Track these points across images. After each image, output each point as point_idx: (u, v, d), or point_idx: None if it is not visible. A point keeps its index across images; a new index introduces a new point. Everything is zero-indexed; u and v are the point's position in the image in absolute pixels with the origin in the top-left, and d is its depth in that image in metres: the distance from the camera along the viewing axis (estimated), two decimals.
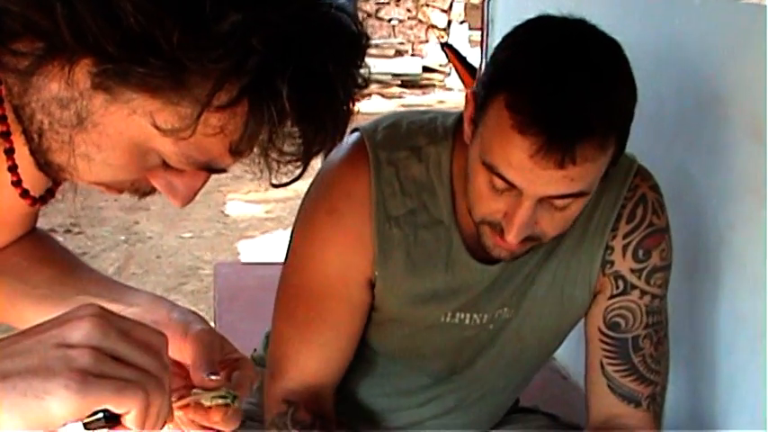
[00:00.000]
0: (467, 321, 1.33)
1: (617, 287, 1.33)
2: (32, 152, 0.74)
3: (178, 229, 4.61)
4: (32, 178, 0.81)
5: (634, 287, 1.33)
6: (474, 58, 3.74)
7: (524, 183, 1.13)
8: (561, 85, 1.09)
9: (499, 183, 1.14)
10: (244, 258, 4.27)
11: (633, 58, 1.17)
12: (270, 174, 0.75)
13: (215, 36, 0.65)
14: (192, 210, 4.64)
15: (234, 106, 0.69)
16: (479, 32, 2.95)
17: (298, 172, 0.76)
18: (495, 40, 2.86)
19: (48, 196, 0.85)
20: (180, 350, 0.84)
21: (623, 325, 1.33)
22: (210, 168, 0.75)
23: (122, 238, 4.40)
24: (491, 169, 1.14)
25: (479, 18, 2.88)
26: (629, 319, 1.33)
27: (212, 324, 2.68)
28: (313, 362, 1.30)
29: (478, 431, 1.47)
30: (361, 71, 0.76)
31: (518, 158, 1.11)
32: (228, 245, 4.53)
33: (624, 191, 1.32)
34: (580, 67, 1.12)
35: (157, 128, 0.69)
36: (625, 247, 1.33)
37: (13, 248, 1.02)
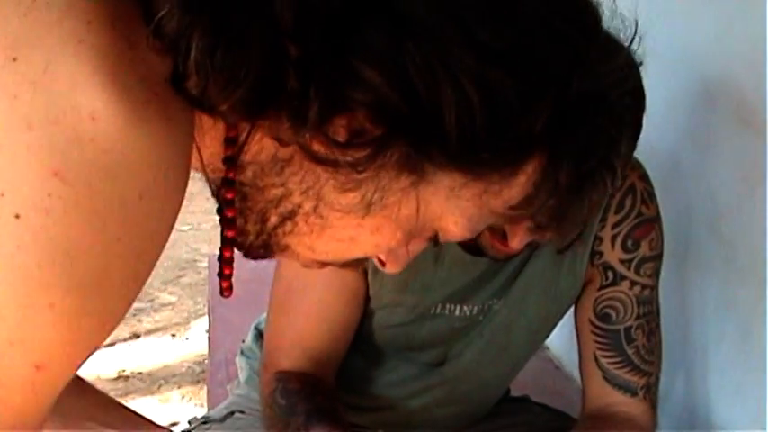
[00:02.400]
0: (456, 312, 1.33)
1: (606, 278, 1.34)
2: (254, 234, 0.66)
3: (176, 221, 4.59)
4: None
5: (623, 278, 1.33)
6: None
7: None
8: None
9: None
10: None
11: None
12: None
13: (572, 116, 0.61)
14: (189, 202, 4.60)
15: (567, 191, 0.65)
16: None
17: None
18: None
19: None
20: None
21: (614, 316, 1.33)
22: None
23: None
24: None
25: None
26: (619, 310, 1.33)
27: (206, 316, 2.69)
28: (308, 353, 1.30)
29: (468, 421, 1.47)
30: None
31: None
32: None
33: None
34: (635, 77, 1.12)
35: (474, 213, 0.64)
36: (614, 238, 1.33)
37: None
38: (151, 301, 3.63)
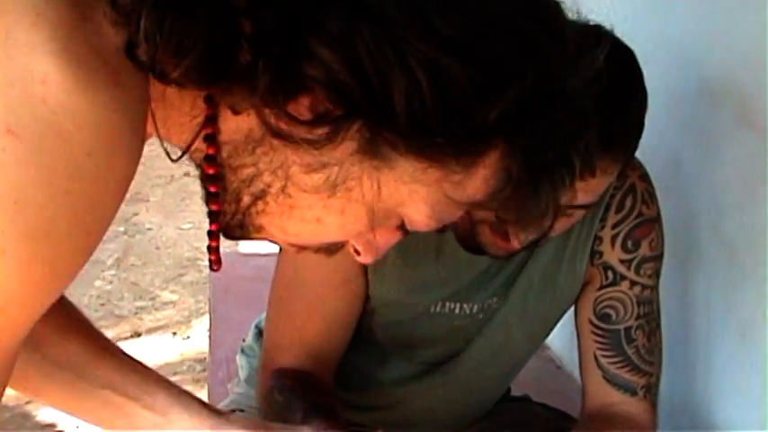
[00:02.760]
0: (456, 311, 1.34)
1: (606, 278, 1.34)
2: (230, 213, 0.70)
3: (177, 220, 4.61)
4: None
5: (623, 278, 1.33)
6: None
7: None
8: None
9: None
10: (242, 249, 4.27)
11: None
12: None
13: (527, 109, 0.63)
14: (191, 201, 4.64)
15: (524, 183, 0.67)
16: None
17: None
18: None
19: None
20: None
21: (614, 316, 1.33)
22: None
23: (121, 229, 4.40)
24: None
25: None
26: (619, 310, 1.33)
27: (207, 314, 2.68)
28: (308, 350, 1.30)
29: (468, 421, 1.47)
30: None
31: None
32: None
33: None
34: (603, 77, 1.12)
35: (434, 201, 0.67)
36: (614, 238, 1.33)
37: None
38: (152, 299, 3.63)
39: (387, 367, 1.40)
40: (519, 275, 1.33)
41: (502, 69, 0.62)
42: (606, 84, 1.08)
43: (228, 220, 0.71)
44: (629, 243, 1.33)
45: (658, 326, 1.36)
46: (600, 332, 1.34)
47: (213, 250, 0.73)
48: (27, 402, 2.90)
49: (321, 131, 0.62)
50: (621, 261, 1.33)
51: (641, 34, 1.20)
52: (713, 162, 1.55)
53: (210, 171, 0.68)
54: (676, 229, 1.43)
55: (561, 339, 1.59)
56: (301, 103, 0.62)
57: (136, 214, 4.66)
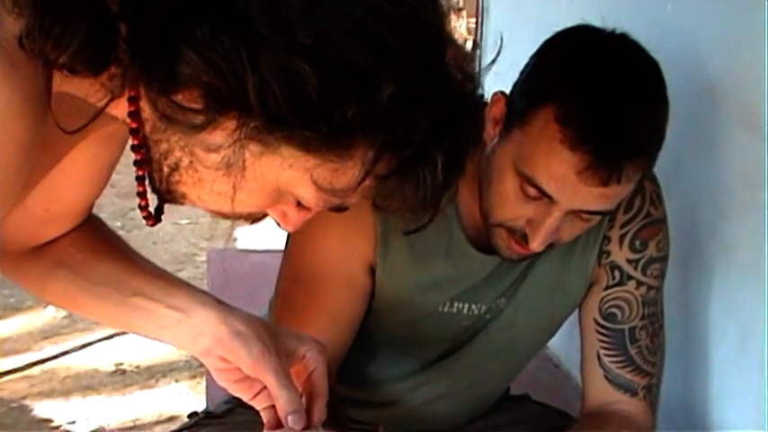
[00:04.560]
0: (464, 311, 1.33)
1: (613, 277, 1.34)
2: (158, 180, 0.80)
3: (174, 215, 4.60)
4: None
5: (630, 278, 1.33)
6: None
7: (563, 197, 1.14)
8: (614, 103, 1.11)
9: (532, 191, 1.15)
10: (240, 245, 4.27)
11: None
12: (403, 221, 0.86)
13: (384, 110, 0.71)
14: None
15: (391, 175, 0.76)
16: (474, 21, 2.94)
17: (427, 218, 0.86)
18: (490, 28, 2.86)
19: (159, 213, 0.89)
20: (252, 372, 0.95)
21: (619, 316, 1.33)
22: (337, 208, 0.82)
23: (118, 224, 4.39)
24: (528, 179, 1.15)
25: (473, 6, 2.87)
26: (624, 310, 1.33)
27: None
28: None
29: (468, 419, 1.47)
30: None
31: (563, 173, 1.12)
32: (224, 232, 4.52)
33: None
34: (630, 85, 1.14)
35: (317, 185, 0.76)
36: (622, 238, 1.33)
37: (70, 238, 1.06)
38: None
39: (389, 364, 1.40)
40: (527, 275, 1.34)
41: (358, 73, 0.70)
42: (634, 91, 1.10)
43: (158, 186, 0.81)
44: (637, 243, 1.33)
45: (661, 327, 1.36)
46: (604, 332, 1.34)
47: (142, 208, 0.86)
48: (23, 398, 2.90)
49: (198, 119, 0.72)
50: (629, 261, 1.33)
51: (642, 35, 1.20)
52: (714, 164, 1.56)
53: (135, 142, 0.79)
54: (677, 230, 1.43)
55: (560, 338, 1.59)
56: (183, 94, 0.72)
57: (133, 209, 4.65)
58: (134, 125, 0.78)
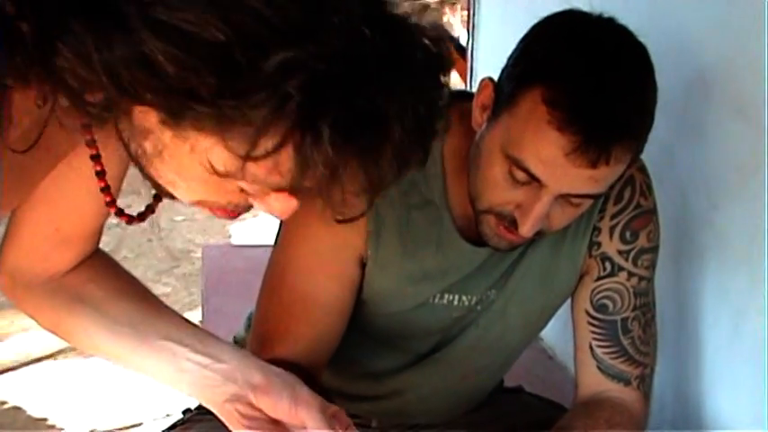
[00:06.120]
0: (455, 303, 1.33)
1: (604, 269, 1.34)
2: (142, 174, 0.80)
3: (170, 212, 4.60)
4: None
5: (621, 269, 1.33)
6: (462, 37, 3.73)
7: (551, 179, 1.13)
8: (602, 85, 1.11)
9: (521, 175, 1.15)
10: (235, 241, 4.27)
11: None
12: (331, 208, 0.77)
13: (251, 82, 0.67)
14: None
15: (280, 150, 0.71)
16: (466, 12, 2.94)
17: (365, 206, 0.79)
18: (482, 20, 2.86)
19: (147, 213, 0.91)
20: (290, 416, 0.94)
21: (611, 307, 1.33)
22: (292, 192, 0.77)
23: (114, 221, 4.40)
24: (516, 162, 1.14)
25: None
26: (616, 301, 1.33)
27: (200, 307, 2.70)
28: (302, 340, 1.27)
29: (462, 411, 1.47)
30: (439, 92, 0.76)
31: (551, 155, 1.11)
32: (220, 228, 4.51)
33: None
34: (618, 67, 1.13)
35: (213, 168, 0.73)
36: (612, 229, 1.33)
37: (89, 274, 1.07)
38: None
39: (381, 357, 1.40)
40: (517, 266, 1.33)
41: (214, 46, 0.66)
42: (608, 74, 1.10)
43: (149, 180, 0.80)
44: (628, 234, 1.33)
45: (653, 317, 1.36)
46: (596, 323, 1.34)
47: (103, 190, 0.88)
48: (20, 397, 2.90)
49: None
50: (620, 252, 1.33)
51: (632, 24, 1.20)
52: (706, 152, 1.55)
53: (87, 137, 0.82)
54: (669, 219, 1.43)
55: (554, 330, 1.60)
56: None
57: (129, 206, 4.64)
58: (83, 120, 0.79)
